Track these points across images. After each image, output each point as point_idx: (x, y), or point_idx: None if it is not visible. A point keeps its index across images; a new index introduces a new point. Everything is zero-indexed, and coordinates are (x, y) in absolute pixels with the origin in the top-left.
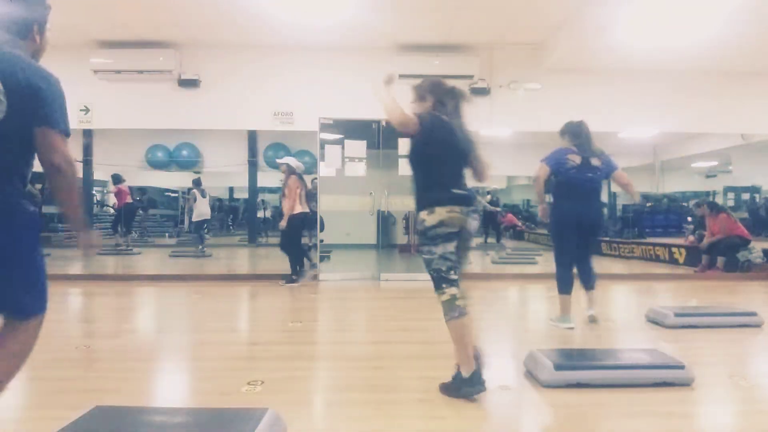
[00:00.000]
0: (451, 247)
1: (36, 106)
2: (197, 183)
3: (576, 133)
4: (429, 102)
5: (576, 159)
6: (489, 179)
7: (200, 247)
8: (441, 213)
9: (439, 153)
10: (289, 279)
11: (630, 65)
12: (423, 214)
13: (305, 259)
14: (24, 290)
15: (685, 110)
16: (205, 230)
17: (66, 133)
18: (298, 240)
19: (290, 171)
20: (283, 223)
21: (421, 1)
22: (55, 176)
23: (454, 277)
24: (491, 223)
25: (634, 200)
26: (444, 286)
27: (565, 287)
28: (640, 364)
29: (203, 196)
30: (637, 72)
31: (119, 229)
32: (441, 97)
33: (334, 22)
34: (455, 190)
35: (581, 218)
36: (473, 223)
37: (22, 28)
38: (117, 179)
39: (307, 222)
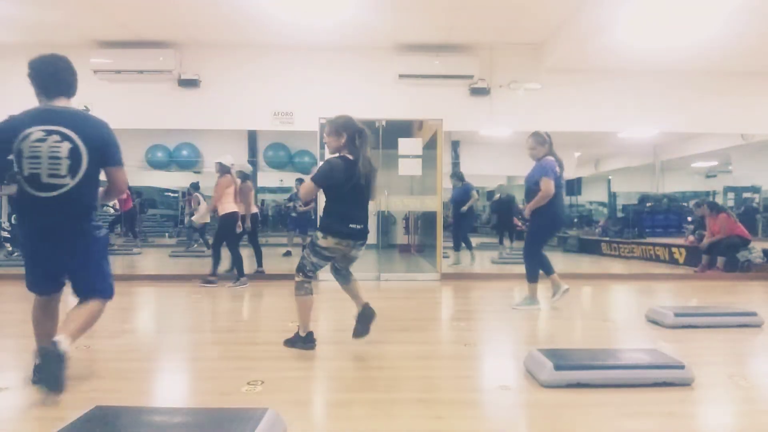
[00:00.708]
0: (324, 263)
1: (107, 154)
2: (196, 187)
3: (551, 143)
4: (343, 138)
5: (557, 168)
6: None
7: (195, 245)
8: (331, 242)
9: (340, 191)
10: (205, 279)
11: (630, 65)
12: (319, 234)
13: (220, 262)
14: (99, 283)
15: (685, 110)
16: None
17: (122, 165)
18: (232, 240)
19: (223, 170)
20: (242, 225)
21: (421, 1)
22: (115, 196)
23: (311, 274)
24: (505, 224)
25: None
26: (301, 274)
27: (536, 277)
28: (640, 364)
29: (204, 199)
30: (637, 72)
31: (119, 229)
32: (353, 135)
33: (334, 22)
34: (352, 225)
35: (564, 219)
36: (358, 252)
37: (75, 87)
38: None
39: (253, 222)
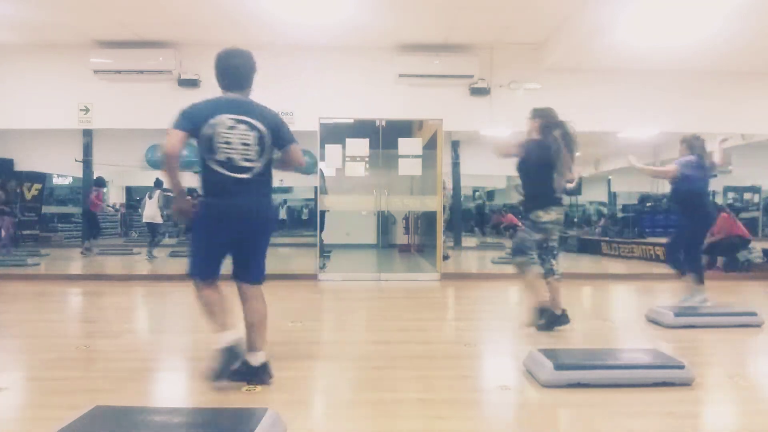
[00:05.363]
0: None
1: (281, 134)
2: (156, 184)
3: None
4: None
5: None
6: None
7: (149, 251)
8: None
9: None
10: None
11: (630, 65)
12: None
13: None
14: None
15: (685, 110)
16: (161, 235)
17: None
18: None
19: None
20: None
21: (421, 1)
22: (293, 167)
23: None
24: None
25: None
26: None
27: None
28: (640, 364)
29: (149, 197)
30: (637, 72)
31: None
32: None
33: (334, 22)
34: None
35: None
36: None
37: (252, 80)
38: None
39: None
